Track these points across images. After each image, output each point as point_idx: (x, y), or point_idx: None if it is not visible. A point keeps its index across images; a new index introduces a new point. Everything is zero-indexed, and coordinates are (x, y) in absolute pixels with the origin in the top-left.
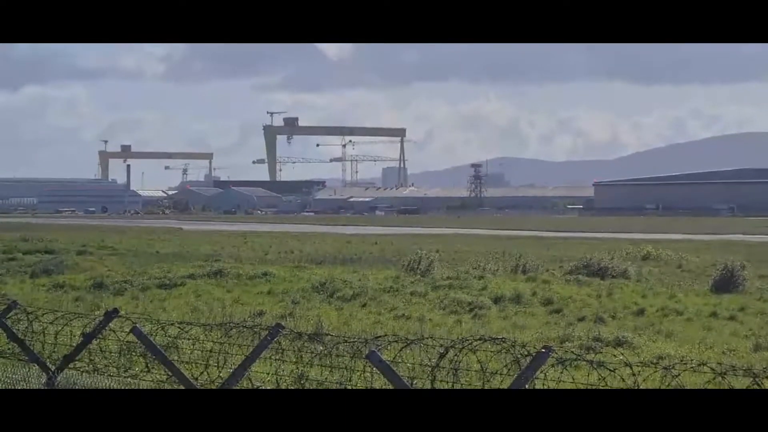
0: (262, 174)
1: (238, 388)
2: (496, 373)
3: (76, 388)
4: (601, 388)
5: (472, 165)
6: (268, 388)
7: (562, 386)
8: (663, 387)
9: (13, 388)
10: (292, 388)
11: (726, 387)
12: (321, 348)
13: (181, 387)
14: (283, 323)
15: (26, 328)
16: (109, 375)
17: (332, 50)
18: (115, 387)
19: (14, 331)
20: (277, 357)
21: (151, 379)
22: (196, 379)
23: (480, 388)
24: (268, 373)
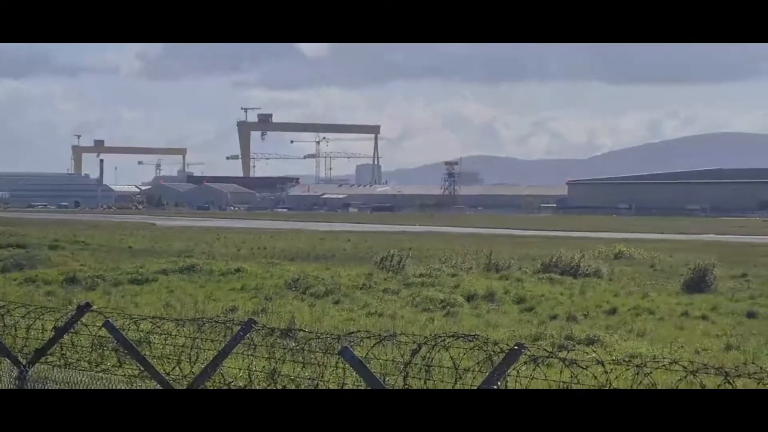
0: (236, 170)
1: (210, 384)
2: (468, 370)
3: (48, 383)
4: (573, 387)
5: (446, 163)
6: (240, 385)
7: (534, 384)
8: (635, 385)
9: None
10: (264, 383)
11: (698, 385)
12: (293, 344)
13: (154, 382)
14: (255, 319)
15: None
16: (81, 369)
17: (309, 48)
18: (87, 381)
19: None
20: (250, 353)
21: (122, 373)
22: (168, 374)
23: (452, 385)
24: (240, 369)
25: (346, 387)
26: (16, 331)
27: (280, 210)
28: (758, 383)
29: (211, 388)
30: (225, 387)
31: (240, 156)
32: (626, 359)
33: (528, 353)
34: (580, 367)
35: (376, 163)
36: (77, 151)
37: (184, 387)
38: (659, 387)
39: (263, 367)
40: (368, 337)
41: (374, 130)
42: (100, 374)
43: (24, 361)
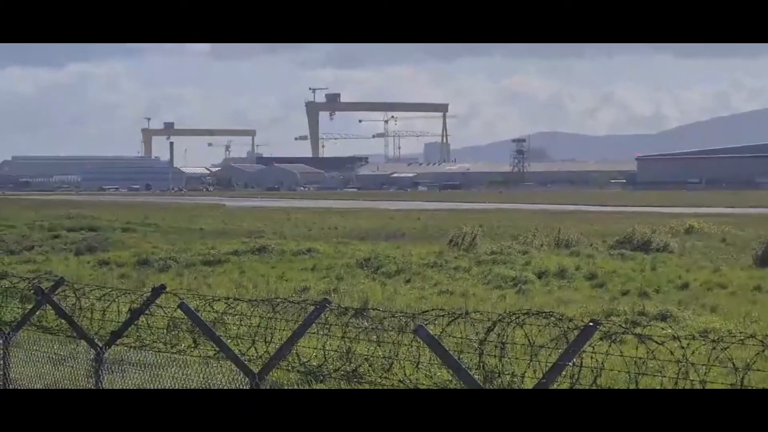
0: (304, 150)
1: (285, 363)
2: (543, 347)
3: (124, 365)
4: (648, 363)
5: (514, 140)
6: (314, 364)
7: (609, 360)
8: (712, 360)
9: (61, 363)
10: (339, 363)
11: None
12: (367, 323)
13: (229, 362)
14: (328, 298)
15: (74, 304)
16: (157, 350)
17: None
18: (163, 362)
19: (62, 307)
20: (324, 332)
21: (198, 354)
22: (243, 354)
23: (527, 362)
24: (314, 348)
25: (421, 365)
26: (92, 313)
27: (349, 189)
28: None
29: (286, 367)
30: (300, 366)
31: (309, 136)
32: (700, 334)
33: (602, 329)
34: (656, 342)
35: (444, 141)
36: (147, 134)
37: (260, 367)
38: (735, 361)
39: (338, 346)
40: (442, 316)
41: (442, 108)
42: (176, 355)
43: (101, 344)
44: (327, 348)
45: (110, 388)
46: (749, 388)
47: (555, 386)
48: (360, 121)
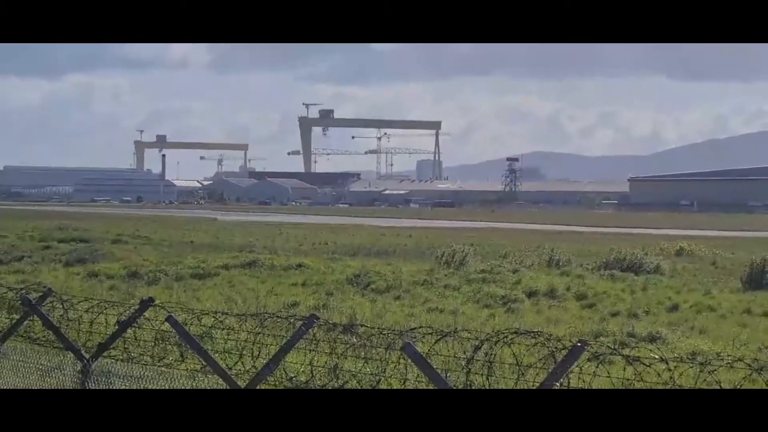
0: (297, 165)
1: (272, 379)
2: (531, 366)
3: (111, 377)
4: (636, 385)
5: (508, 159)
6: (302, 380)
7: (596, 381)
8: (699, 383)
9: (47, 375)
10: (326, 379)
11: (762, 384)
12: (355, 340)
13: (216, 376)
14: (317, 314)
15: (61, 315)
16: (144, 364)
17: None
18: (150, 375)
19: (49, 318)
20: (312, 348)
21: (185, 368)
22: (230, 368)
23: (514, 381)
24: (302, 364)
25: (408, 383)
26: (79, 324)
27: (341, 205)
28: None
29: (273, 382)
30: (287, 381)
31: (301, 151)
32: (689, 357)
33: (590, 350)
34: (643, 364)
35: (436, 158)
36: (140, 147)
37: (246, 381)
38: (723, 385)
39: (325, 362)
40: (430, 333)
41: (435, 125)
42: (163, 368)
43: (87, 355)
44: (314, 364)
45: None
46: None
47: None
48: (353, 137)
